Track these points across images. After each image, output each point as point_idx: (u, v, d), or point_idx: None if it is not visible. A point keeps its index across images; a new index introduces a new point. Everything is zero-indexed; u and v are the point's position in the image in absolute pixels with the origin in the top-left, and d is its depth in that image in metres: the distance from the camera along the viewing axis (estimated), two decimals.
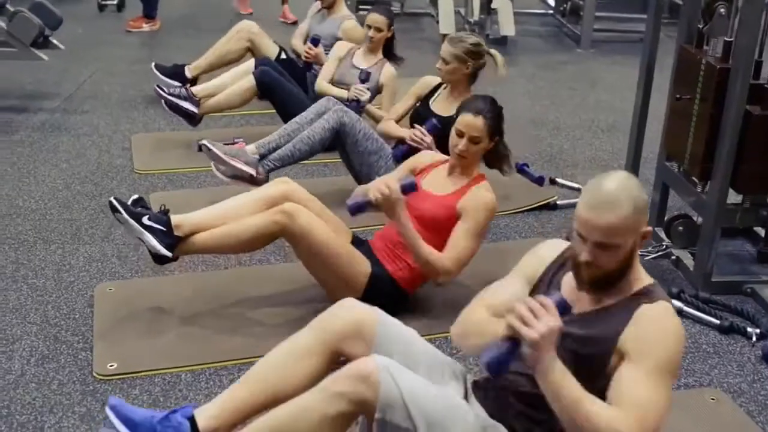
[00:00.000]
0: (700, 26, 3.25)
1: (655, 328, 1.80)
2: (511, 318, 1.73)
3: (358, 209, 2.75)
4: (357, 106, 4.02)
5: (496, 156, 3.06)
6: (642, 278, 1.90)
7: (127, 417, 2.06)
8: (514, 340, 1.74)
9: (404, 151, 3.53)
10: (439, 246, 2.86)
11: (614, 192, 1.79)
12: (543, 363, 1.72)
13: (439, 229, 2.88)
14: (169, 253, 2.80)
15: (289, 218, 2.77)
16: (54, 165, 4.24)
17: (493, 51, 3.70)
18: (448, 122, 3.19)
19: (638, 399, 1.75)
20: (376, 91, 4.26)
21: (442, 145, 3.24)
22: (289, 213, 2.78)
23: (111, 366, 2.64)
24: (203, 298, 3.03)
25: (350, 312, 2.12)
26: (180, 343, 2.79)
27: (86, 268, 3.25)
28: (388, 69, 4.28)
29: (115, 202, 2.78)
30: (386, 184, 2.71)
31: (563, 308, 1.77)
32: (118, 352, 2.71)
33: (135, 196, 2.91)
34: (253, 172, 3.61)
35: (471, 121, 2.88)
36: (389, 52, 4.35)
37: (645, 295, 1.85)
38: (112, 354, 2.70)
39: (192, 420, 2.03)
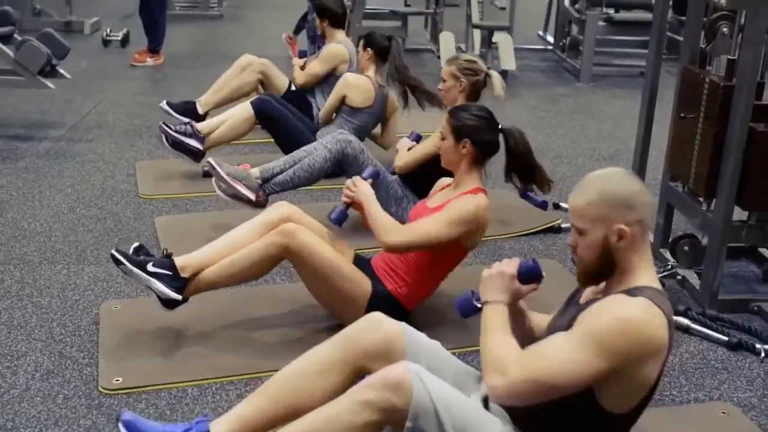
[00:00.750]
0: (703, 46, 3.29)
1: (608, 308, 1.78)
2: (485, 270, 2.00)
3: (338, 216, 2.94)
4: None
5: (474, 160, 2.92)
6: (639, 281, 1.86)
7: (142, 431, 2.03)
8: None
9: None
10: (430, 260, 2.88)
11: (590, 178, 1.89)
12: (487, 296, 1.96)
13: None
14: (178, 296, 2.78)
15: (289, 237, 2.77)
16: (59, 190, 4.26)
17: (491, 71, 3.71)
18: None
19: (541, 347, 1.80)
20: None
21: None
22: (287, 232, 2.77)
23: (116, 381, 2.62)
24: (209, 317, 3.02)
25: (379, 330, 2.08)
26: (186, 358, 2.77)
27: (91, 288, 3.25)
28: (348, 74, 4.51)
29: (117, 255, 2.76)
30: (351, 182, 2.93)
31: (530, 271, 2.00)
32: (123, 367, 2.69)
33: (136, 244, 2.90)
34: (252, 196, 3.62)
35: (443, 118, 2.93)
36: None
37: (629, 291, 1.83)
38: (118, 369, 2.68)
39: None
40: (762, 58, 3.07)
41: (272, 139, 4.72)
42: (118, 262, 2.76)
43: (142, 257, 2.81)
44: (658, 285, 1.89)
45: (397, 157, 3.78)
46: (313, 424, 1.87)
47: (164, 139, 4.34)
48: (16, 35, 4.95)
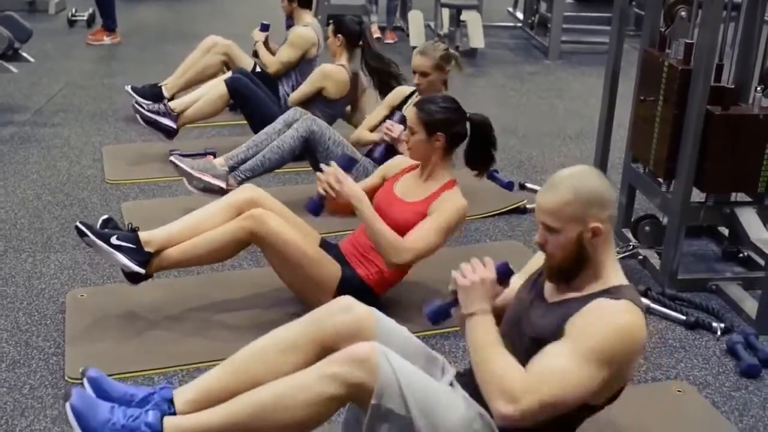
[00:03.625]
0: (663, 29, 3.33)
1: (600, 316, 1.80)
2: (455, 273, 1.94)
3: (316, 207, 2.84)
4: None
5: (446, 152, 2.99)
6: (612, 279, 1.91)
7: (105, 392, 2.02)
8: (455, 293, 1.95)
9: (383, 151, 3.60)
10: None
11: (561, 177, 1.89)
12: (470, 307, 1.90)
13: (402, 228, 2.90)
14: (141, 270, 2.79)
15: (257, 223, 2.79)
16: (24, 176, 4.23)
17: (453, 51, 3.78)
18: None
19: (546, 368, 1.78)
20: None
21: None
22: (256, 218, 2.79)
23: (83, 369, 2.63)
24: (175, 303, 3.04)
25: (349, 313, 2.07)
26: (153, 346, 2.79)
27: (57, 276, 3.25)
28: (325, 65, 4.42)
29: (81, 226, 2.76)
30: (331, 176, 2.77)
31: (504, 271, 1.95)
32: (90, 356, 2.70)
33: (104, 217, 2.91)
34: (222, 184, 3.64)
35: (410, 112, 2.95)
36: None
37: (610, 293, 1.87)
38: (84, 357, 2.69)
39: (170, 402, 1.99)
40: (719, 42, 3.11)
41: (239, 123, 4.73)
42: (82, 234, 2.77)
43: (107, 231, 2.82)
44: (625, 279, 1.94)
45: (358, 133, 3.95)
46: (279, 390, 1.88)
47: (139, 118, 4.37)
48: None
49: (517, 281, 2.10)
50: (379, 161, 3.50)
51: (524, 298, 2.05)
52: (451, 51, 3.76)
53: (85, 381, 2.04)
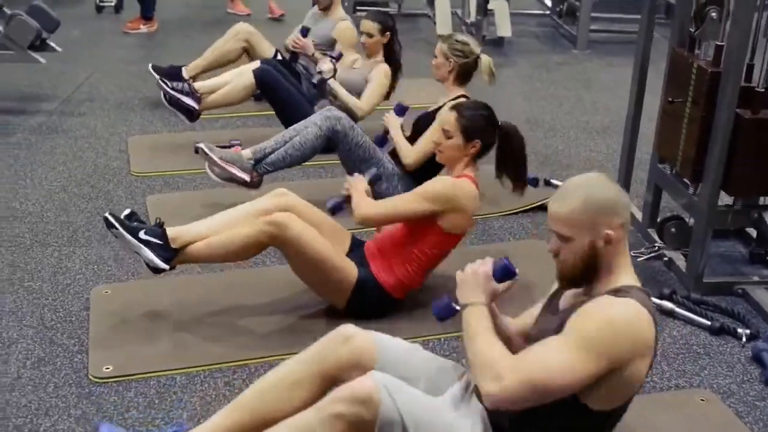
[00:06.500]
0: (692, 30, 3.27)
1: (596, 309, 1.81)
2: (458, 272, 1.99)
3: (336, 208, 3.01)
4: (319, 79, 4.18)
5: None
6: (623, 280, 1.90)
7: None
8: None
9: (380, 137, 3.84)
10: (407, 235, 2.96)
11: (571, 186, 1.89)
12: (466, 298, 1.95)
13: (413, 227, 2.95)
14: (166, 266, 2.81)
15: (279, 228, 2.79)
16: (51, 167, 4.27)
17: (483, 56, 3.71)
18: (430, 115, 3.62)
19: (534, 352, 1.80)
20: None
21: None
22: (278, 223, 2.79)
23: (107, 369, 2.66)
24: (199, 301, 3.06)
25: (348, 344, 2.10)
26: (175, 345, 2.81)
27: (82, 271, 3.28)
28: (380, 66, 4.32)
29: (110, 218, 2.78)
30: (354, 184, 2.97)
31: (502, 268, 1.99)
32: (113, 355, 2.73)
33: (128, 210, 2.92)
34: (247, 177, 3.65)
35: (446, 115, 2.95)
36: (391, 58, 4.34)
37: (615, 291, 1.86)
38: (108, 356, 2.72)
39: None
40: (750, 44, 3.05)
41: (265, 113, 4.73)
42: (110, 225, 2.78)
43: (135, 223, 2.84)
44: (638, 283, 1.92)
45: (403, 155, 3.70)
46: None
47: (162, 96, 4.39)
48: (5, 9, 4.91)
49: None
50: (380, 144, 3.79)
51: (543, 318, 2.06)
52: (468, 49, 3.67)
53: None
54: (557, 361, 1.76)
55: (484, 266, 2.00)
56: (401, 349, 2.13)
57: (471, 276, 1.98)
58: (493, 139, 2.95)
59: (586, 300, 1.89)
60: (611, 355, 1.76)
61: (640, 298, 1.84)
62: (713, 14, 3.10)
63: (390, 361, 2.06)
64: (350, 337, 2.11)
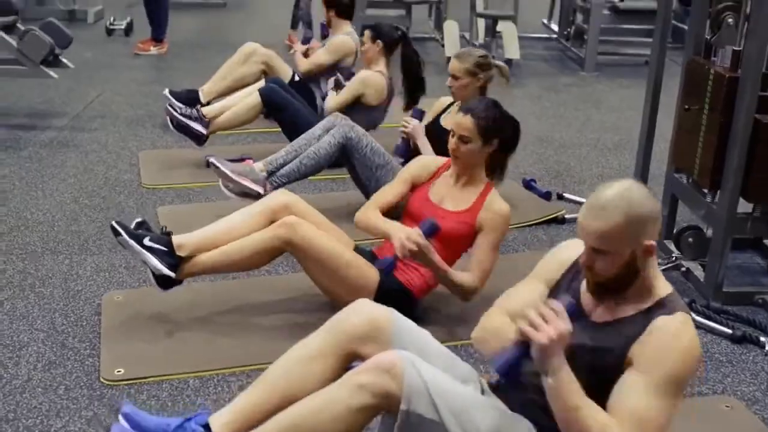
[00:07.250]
0: (708, 37, 3.26)
1: (667, 340, 1.76)
2: (522, 324, 1.75)
3: (389, 269, 2.76)
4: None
5: (496, 164, 3.01)
6: (660, 290, 1.86)
7: (140, 425, 2.04)
8: (525, 344, 1.76)
9: (402, 147, 3.74)
10: (450, 257, 2.87)
11: (609, 199, 1.78)
12: (551, 365, 1.74)
13: (454, 244, 2.90)
14: (171, 273, 2.79)
15: (291, 231, 2.76)
16: (62, 180, 4.25)
17: (499, 63, 3.74)
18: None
19: (636, 409, 1.73)
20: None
21: (442, 152, 3.23)
22: (290, 225, 2.77)
23: (118, 372, 2.62)
24: (211, 307, 3.02)
25: (364, 314, 2.08)
26: (188, 349, 2.77)
27: (94, 278, 3.24)
28: (365, 72, 4.43)
29: (116, 225, 2.78)
30: (410, 239, 2.64)
31: (573, 313, 1.78)
32: (125, 358, 2.69)
33: (138, 219, 2.91)
34: (260, 189, 3.61)
35: (459, 120, 2.87)
36: (405, 69, 4.34)
37: (662, 307, 1.82)
38: (120, 360, 2.67)
39: (207, 427, 2.00)
40: None
41: (275, 129, 4.72)
42: (116, 233, 2.78)
43: (140, 232, 2.83)
44: (668, 284, 1.89)
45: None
46: (310, 408, 1.88)
47: (169, 122, 4.37)
48: (19, 25, 4.94)
49: (537, 294, 2.01)
50: (403, 154, 3.69)
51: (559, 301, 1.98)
52: (493, 60, 3.71)
53: (120, 417, 2.06)
54: (665, 413, 1.74)
55: (565, 324, 1.74)
56: (417, 331, 2.09)
57: (557, 340, 1.72)
58: (511, 135, 2.94)
59: (632, 316, 1.83)
60: (691, 380, 1.82)
61: (682, 305, 1.83)
62: (729, 20, 3.09)
63: (406, 339, 2.02)
64: (366, 308, 2.09)
